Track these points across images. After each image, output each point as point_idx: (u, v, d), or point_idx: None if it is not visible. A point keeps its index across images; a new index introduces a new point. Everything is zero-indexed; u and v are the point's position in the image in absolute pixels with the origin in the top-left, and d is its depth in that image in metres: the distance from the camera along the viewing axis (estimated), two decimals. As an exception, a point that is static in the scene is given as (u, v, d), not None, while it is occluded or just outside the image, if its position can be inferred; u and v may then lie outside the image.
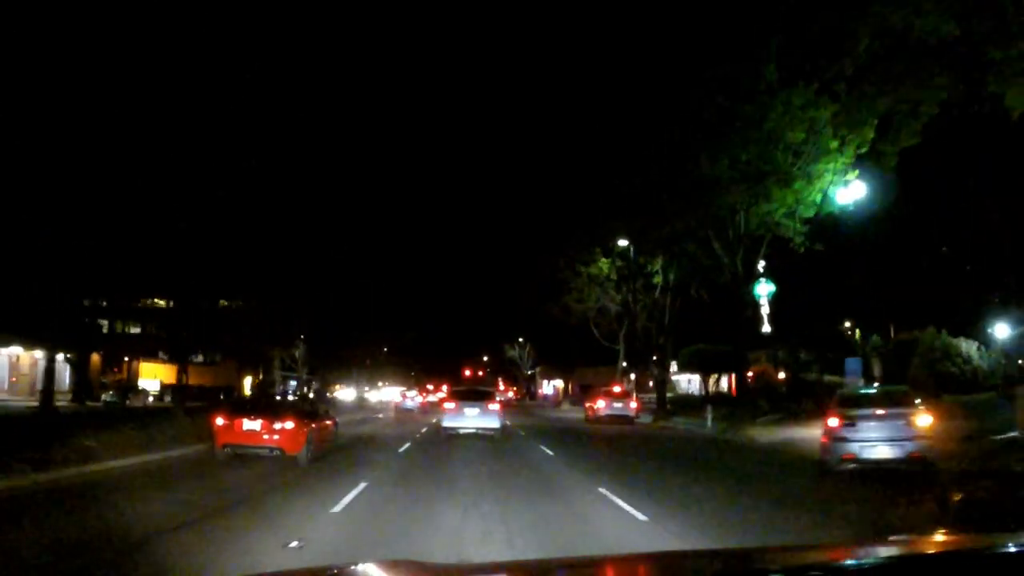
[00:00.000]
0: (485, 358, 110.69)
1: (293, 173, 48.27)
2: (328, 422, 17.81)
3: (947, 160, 27.96)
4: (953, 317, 42.72)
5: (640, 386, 56.00)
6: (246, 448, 14.60)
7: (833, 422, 14.32)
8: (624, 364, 47.05)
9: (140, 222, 36.72)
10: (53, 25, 25.24)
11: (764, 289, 32.48)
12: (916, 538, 3.38)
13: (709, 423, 29.12)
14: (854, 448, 13.74)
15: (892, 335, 45.43)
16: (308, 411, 16.62)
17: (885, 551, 2.74)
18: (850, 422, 14.04)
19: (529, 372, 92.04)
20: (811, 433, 24.15)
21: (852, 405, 14.96)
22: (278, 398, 46.95)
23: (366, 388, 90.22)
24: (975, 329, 43.82)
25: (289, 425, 14.48)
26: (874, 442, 13.72)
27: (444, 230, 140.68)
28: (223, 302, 56.19)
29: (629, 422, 34.83)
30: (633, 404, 35.79)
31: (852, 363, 26.30)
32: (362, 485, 12.03)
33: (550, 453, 18.53)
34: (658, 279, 36.65)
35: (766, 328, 33.73)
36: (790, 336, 36.60)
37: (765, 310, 32.96)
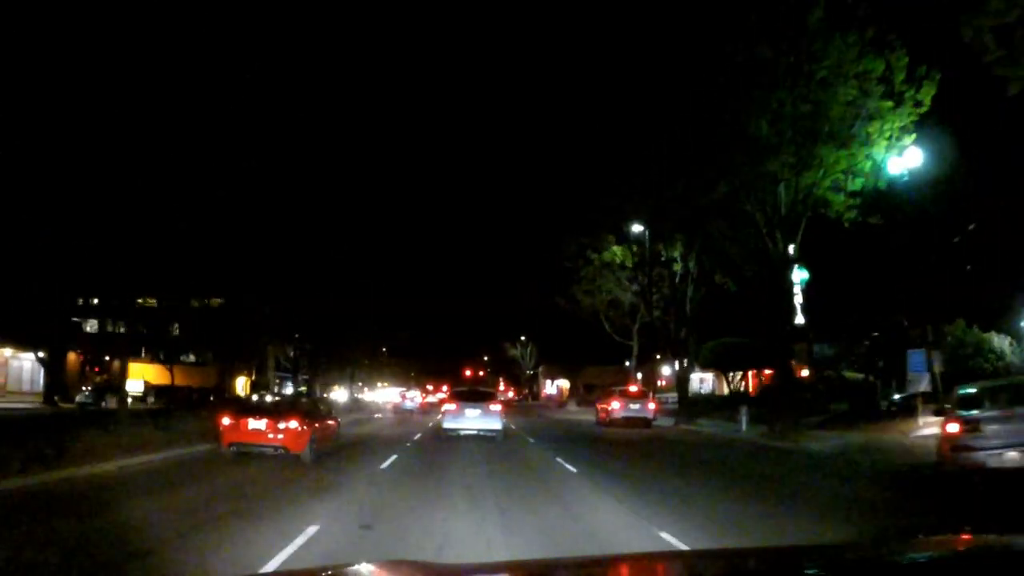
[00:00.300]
0: (486, 358, 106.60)
1: (293, 173, 45.77)
2: (331, 422, 17.60)
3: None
4: (980, 310, 38.84)
5: (649, 385, 51.57)
6: (251, 447, 14.44)
7: (952, 427, 11.44)
8: (631, 362, 42.50)
9: (137, 221, 34.80)
10: (53, 23, 24.19)
11: (797, 276, 28.25)
12: (921, 539, 3.16)
13: (744, 426, 24.80)
14: (980, 457, 10.93)
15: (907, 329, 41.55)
16: (312, 411, 16.65)
17: (889, 551, 2.68)
18: (972, 426, 11.17)
19: (531, 372, 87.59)
20: (871, 438, 19.97)
21: (972, 405, 11.90)
22: (271, 399, 43.37)
23: (363, 388, 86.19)
24: (1004, 323, 40.01)
25: (293, 424, 14.40)
26: (1002, 448, 10.80)
27: (444, 227, 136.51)
28: (216, 301, 52.78)
29: (647, 425, 30.59)
30: (651, 405, 31.45)
31: (916, 356, 21.97)
32: (309, 531, 7.75)
33: (572, 470, 14.15)
34: (678, 266, 32.23)
35: (799, 319, 29.50)
36: (836, 327, 32.30)
37: (798, 299, 28.74)
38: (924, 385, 21.57)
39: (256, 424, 14.41)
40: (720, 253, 29.55)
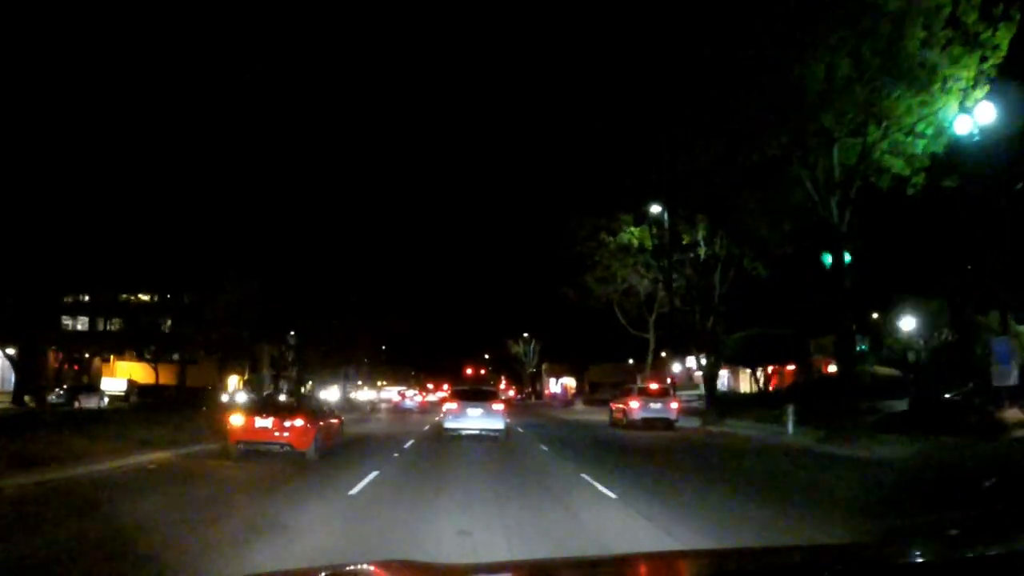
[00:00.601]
0: (486, 356, 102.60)
1: (290, 163, 43.78)
2: (334, 420, 17.48)
3: None
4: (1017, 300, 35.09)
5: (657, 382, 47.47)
6: (258, 445, 14.41)
7: None
8: (648, 356, 38.45)
9: (124, 213, 32.10)
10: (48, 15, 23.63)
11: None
12: (920, 541, 2.95)
13: (791, 429, 20.81)
14: None
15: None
16: (316, 410, 16.65)
17: (889, 553, 2.58)
18: None
19: (533, 370, 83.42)
20: (954, 443, 16.07)
21: None
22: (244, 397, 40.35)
23: (363, 386, 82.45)
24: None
25: (299, 423, 14.41)
26: None
27: (444, 221, 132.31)
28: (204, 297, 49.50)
29: (669, 426, 26.61)
30: (674, 404, 27.44)
31: (1001, 346, 18.04)
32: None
33: (607, 495, 10.16)
34: (702, 250, 28.15)
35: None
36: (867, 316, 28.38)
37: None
38: (1013, 379, 17.67)
39: (263, 423, 14.36)
40: (751, 232, 25.55)
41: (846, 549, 3.61)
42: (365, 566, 2.51)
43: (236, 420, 14.75)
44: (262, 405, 17.36)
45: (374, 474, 12.21)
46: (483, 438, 19.17)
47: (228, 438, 14.71)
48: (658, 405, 26.87)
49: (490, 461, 14.41)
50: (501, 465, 13.81)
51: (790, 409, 20.80)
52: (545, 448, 17.98)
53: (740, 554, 3.50)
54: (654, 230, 30.10)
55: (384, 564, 2.58)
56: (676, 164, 24.43)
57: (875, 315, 39.52)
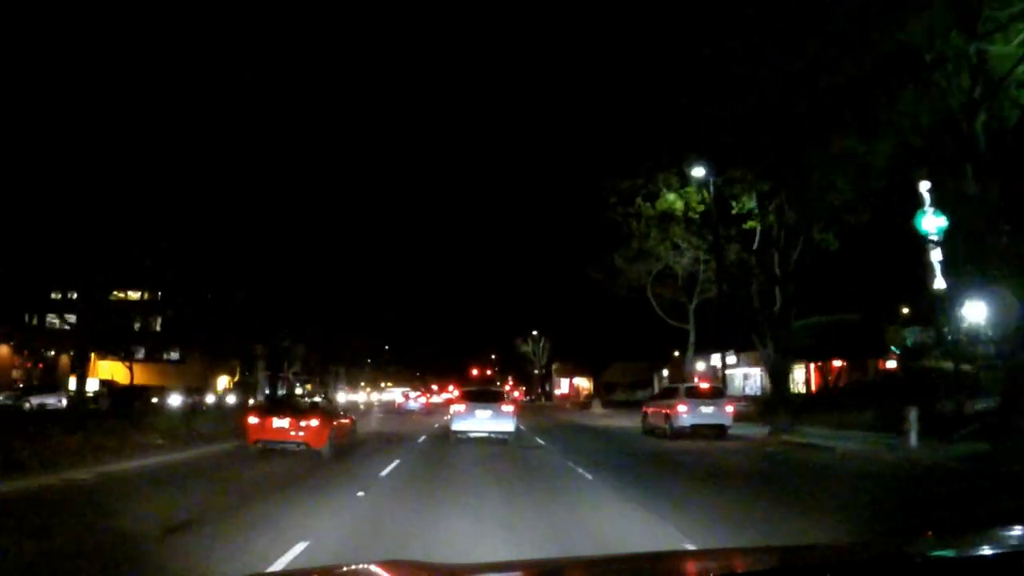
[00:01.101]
0: (493, 356, 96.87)
1: (290, 161, 41.08)
2: (346, 420, 17.63)
3: None
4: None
5: (675, 382, 41.37)
6: (276, 443, 14.55)
7: None
8: (689, 351, 32.36)
9: (112, 211, 29.88)
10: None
11: (932, 223, 18.58)
12: (919, 540, 2.77)
13: (914, 441, 14.87)
14: None
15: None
16: (330, 410, 17.01)
17: (887, 552, 2.45)
18: None
19: (542, 370, 77.33)
20: None
21: None
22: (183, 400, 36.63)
23: (364, 387, 77.18)
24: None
25: (314, 423, 14.56)
26: None
27: (449, 216, 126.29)
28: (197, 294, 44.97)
29: (723, 434, 20.89)
30: (729, 408, 21.61)
31: None
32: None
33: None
34: (770, 219, 22.04)
35: (939, 283, 19.71)
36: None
37: (936, 256, 19.01)
38: None
39: (280, 423, 14.43)
40: (826, 189, 19.66)
41: (846, 549, 3.21)
42: (365, 566, 2.33)
43: (253, 420, 14.74)
44: (278, 405, 17.67)
45: (304, 544, 6.36)
46: (493, 453, 15.91)
47: (247, 437, 14.74)
48: (710, 409, 21.06)
49: (513, 508, 8.53)
50: (531, 516, 7.91)
51: (913, 415, 14.80)
52: (588, 476, 11.84)
53: (744, 553, 3.28)
54: (703, 193, 24.05)
55: (385, 564, 2.41)
56: (738, 95, 18.51)
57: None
